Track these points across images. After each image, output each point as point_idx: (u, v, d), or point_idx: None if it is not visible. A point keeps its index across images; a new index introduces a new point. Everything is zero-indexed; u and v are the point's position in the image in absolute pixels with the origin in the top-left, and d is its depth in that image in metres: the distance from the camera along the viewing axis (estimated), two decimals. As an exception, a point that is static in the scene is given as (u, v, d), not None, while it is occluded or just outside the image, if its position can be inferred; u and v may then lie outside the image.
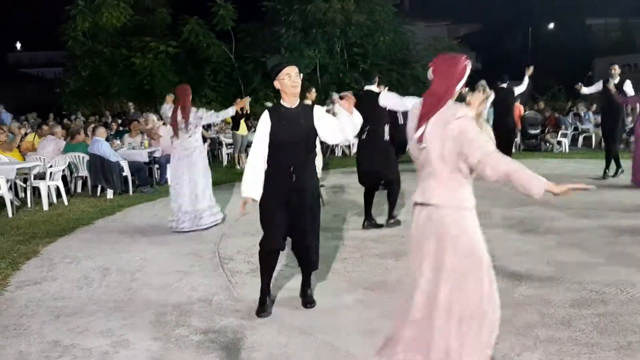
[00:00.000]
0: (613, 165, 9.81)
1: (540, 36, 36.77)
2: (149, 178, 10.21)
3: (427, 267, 2.67)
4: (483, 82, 8.42)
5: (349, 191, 9.14)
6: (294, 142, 3.89)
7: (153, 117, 10.95)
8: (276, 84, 3.93)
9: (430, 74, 2.70)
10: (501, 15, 31.82)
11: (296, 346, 3.55)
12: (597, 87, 9.84)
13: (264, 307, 4.08)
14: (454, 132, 2.55)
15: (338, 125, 3.95)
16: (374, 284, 4.68)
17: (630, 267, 4.86)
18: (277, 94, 3.99)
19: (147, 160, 10.10)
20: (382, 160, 6.42)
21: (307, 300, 4.23)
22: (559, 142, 14.93)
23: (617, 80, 9.29)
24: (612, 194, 8.16)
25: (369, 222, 6.63)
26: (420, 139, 2.58)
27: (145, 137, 10.83)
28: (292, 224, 3.97)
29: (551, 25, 37.65)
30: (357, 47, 21.25)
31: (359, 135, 6.50)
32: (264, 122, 3.94)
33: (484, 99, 8.28)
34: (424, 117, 2.62)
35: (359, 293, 4.48)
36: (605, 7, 31.19)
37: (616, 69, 9.40)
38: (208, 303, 4.35)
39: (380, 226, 6.58)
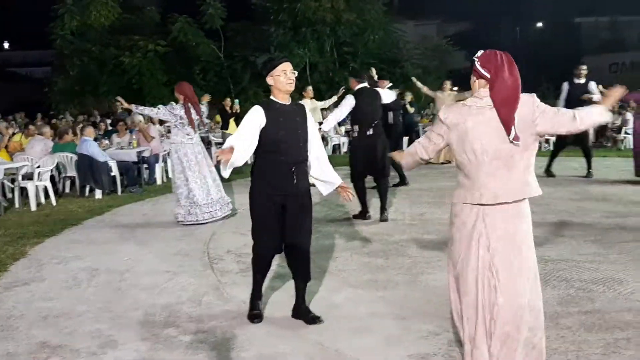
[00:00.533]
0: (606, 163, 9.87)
1: (530, 34, 36.98)
2: (138, 178, 10.16)
3: (525, 263, 2.77)
4: None
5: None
6: (294, 140, 3.68)
7: (139, 117, 10.82)
8: (269, 80, 3.66)
9: (484, 72, 2.70)
10: (491, 14, 31.97)
11: (286, 346, 3.54)
12: (563, 97, 9.41)
13: (257, 313, 3.93)
14: (538, 120, 2.71)
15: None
16: (364, 282, 4.69)
17: (617, 265, 4.89)
18: (267, 93, 3.85)
19: (135, 160, 10.04)
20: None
21: (313, 317, 3.85)
22: (547, 140, 14.97)
23: (582, 80, 9.26)
24: (600, 190, 8.23)
25: (368, 212, 6.84)
26: (516, 138, 2.63)
27: (134, 137, 10.76)
28: (289, 227, 3.73)
29: (540, 24, 37.85)
30: (347, 46, 21.32)
31: (363, 132, 6.55)
32: (258, 117, 3.61)
33: None
34: (510, 118, 2.63)
35: (348, 292, 4.48)
36: (594, 6, 31.40)
37: (583, 70, 9.32)
38: (197, 303, 4.34)
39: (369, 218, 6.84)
